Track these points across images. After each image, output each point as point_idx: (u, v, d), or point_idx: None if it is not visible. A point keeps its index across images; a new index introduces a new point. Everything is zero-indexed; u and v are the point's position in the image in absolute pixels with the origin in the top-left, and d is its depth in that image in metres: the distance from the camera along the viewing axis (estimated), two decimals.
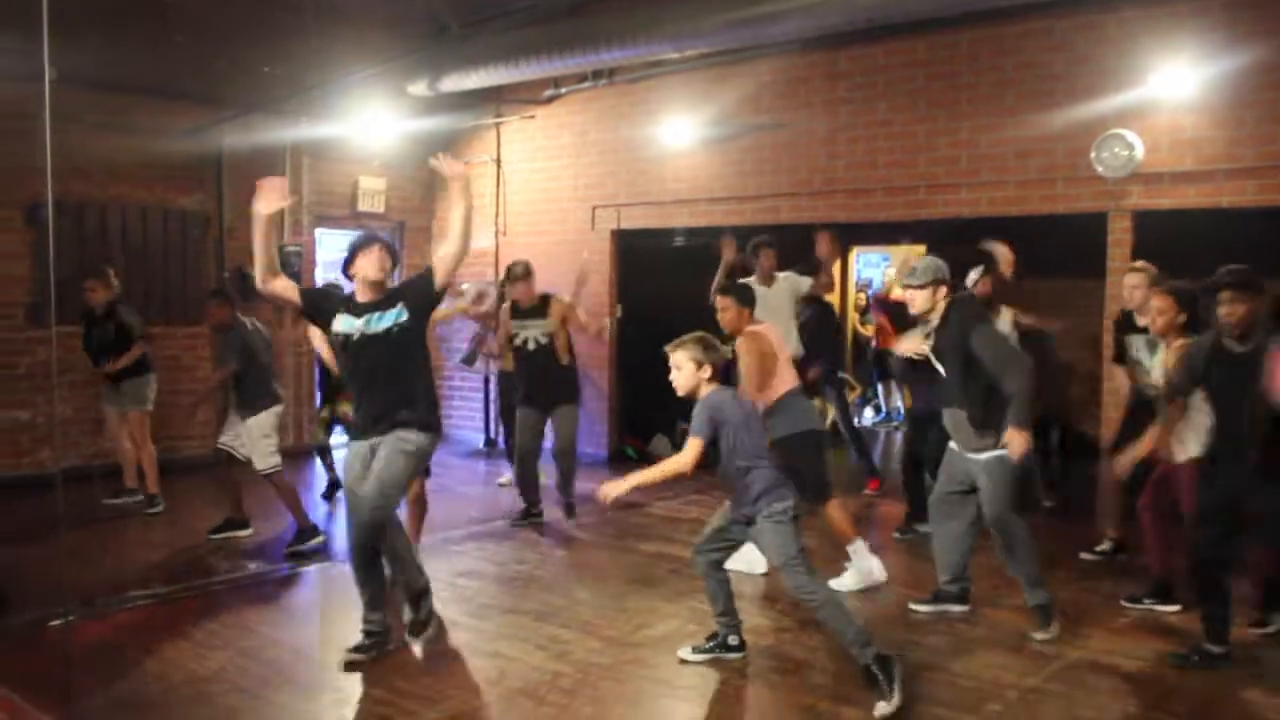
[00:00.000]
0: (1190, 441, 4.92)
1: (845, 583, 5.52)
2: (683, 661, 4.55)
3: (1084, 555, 6.24)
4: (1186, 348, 4.73)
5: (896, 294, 11.35)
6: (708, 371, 4.28)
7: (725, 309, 5.59)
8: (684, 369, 4.29)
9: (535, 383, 7.07)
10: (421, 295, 4.57)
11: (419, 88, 9.18)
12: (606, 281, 9.61)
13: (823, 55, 8.10)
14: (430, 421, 4.56)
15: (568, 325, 7.07)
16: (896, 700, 3.95)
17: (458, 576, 5.87)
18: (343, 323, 4.50)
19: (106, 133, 8.29)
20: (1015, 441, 4.56)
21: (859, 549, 5.64)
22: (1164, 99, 6.62)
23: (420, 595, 4.65)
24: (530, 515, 7.18)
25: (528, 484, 7.21)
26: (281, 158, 9.61)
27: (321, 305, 4.65)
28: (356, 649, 4.55)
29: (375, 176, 10.45)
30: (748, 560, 5.46)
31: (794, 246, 10.09)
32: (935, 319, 4.92)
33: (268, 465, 6.47)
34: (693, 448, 4.20)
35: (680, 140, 8.89)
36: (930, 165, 7.63)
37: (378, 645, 4.59)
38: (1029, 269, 10.62)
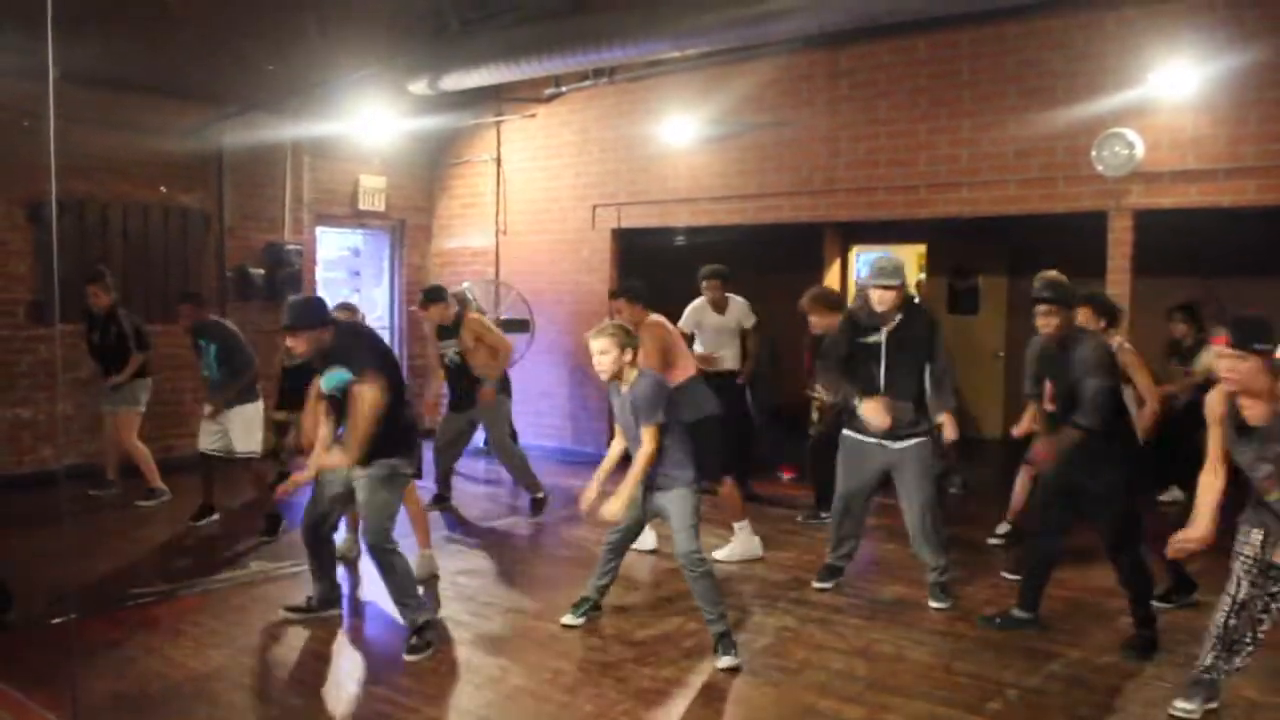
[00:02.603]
0: None
1: (727, 554, 6.11)
2: (565, 627, 4.93)
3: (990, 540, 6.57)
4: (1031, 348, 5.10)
5: None
6: (629, 355, 4.57)
7: (619, 310, 6.13)
8: (610, 354, 4.56)
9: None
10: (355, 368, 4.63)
11: (420, 86, 9.18)
12: (607, 281, 9.62)
13: (824, 54, 8.10)
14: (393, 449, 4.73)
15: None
16: (740, 660, 4.46)
17: (459, 575, 5.88)
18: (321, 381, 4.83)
19: (108, 130, 8.29)
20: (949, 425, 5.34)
21: (744, 526, 6.21)
22: (1165, 98, 6.62)
23: (420, 628, 4.66)
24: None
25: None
26: (282, 156, 9.63)
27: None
28: (293, 608, 5.05)
29: (376, 175, 10.46)
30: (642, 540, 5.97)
31: (796, 245, 10.12)
32: (897, 316, 5.20)
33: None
34: (654, 437, 4.52)
35: (681, 139, 8.89)
36: (931, 164, 7.64)
37: (313, 610, 5.04)
38: (1028, 268, 10.63)
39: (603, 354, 4.56)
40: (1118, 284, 6.79)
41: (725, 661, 4.43)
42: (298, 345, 4.67)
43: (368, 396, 4.50)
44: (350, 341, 4.73)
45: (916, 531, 5.26)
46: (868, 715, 3.99)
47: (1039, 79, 7.14)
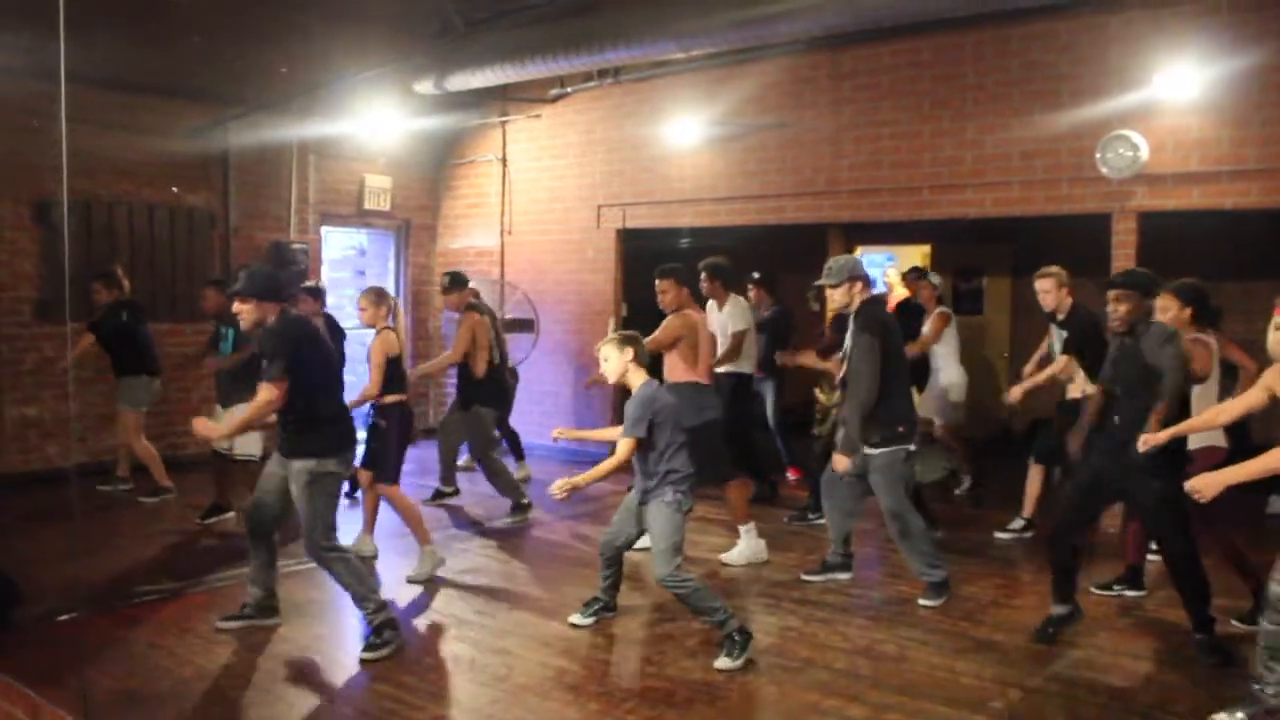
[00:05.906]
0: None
1: (732, 557, 6.14)
2: (573, 626, 4.94)
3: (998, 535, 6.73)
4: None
5: (898, 293, 11.38)
6: (630, 354, 4.67)
7: (665, 290, 6.07)
8: (611, 359, 4.70)
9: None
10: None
11: (425, 86, 9.20)
12: (612, 281, 9.64)
13: (827, 55, 8.12)
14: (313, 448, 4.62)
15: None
16: (739, 664, 4.42)
17: (463, 573, 5.91)
18: None
19: (114, 131, 8.32)
20: (839, 461, 5.31)
21: (750, 530, 6.20)
22: (1169, 100, 6.63)
23: (379, 627, 4.66)
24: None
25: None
26: (288, 156, 9.66)
27: None
28: (226, 618, 4.93)
29: (381, 175, 10.49)
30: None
31: (800, 246, 10.13)
32: (852, 314, 5.36)
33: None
34: (626, 447, 4.58)
35: (686, 139, 8.91)
36: (935, 165, 7.65)
37: (247, 618, 4.92)
38: (1032, 270, 10.63)
39: (605, 361, 4.73)
40: None
41: (722, 663, 4.43)
42: (242, 311, 4.62)
43: (261, 394, 4.56)
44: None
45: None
46: (871, 714, 4.01)
47: (1043, 81, 7.15)
